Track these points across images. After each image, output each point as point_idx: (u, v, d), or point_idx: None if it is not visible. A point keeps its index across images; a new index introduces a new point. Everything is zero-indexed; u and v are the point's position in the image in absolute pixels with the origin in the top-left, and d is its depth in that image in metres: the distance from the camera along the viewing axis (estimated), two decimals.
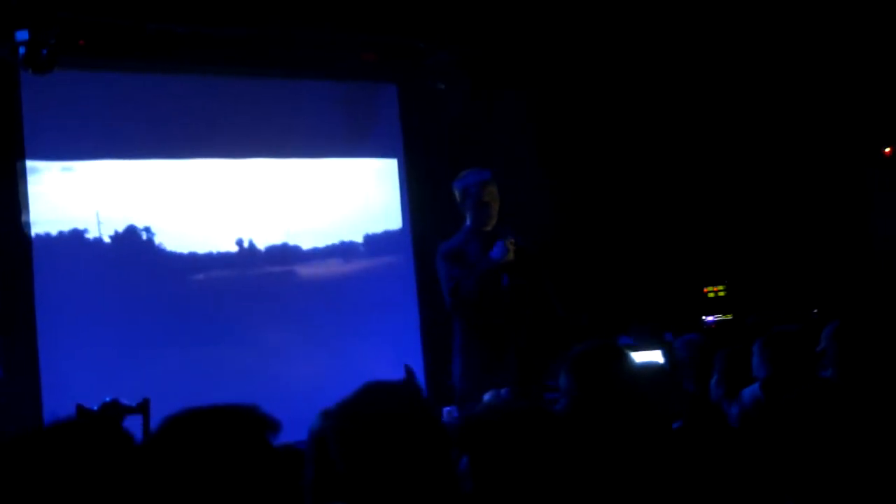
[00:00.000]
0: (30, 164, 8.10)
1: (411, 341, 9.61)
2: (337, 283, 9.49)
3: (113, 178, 8.53)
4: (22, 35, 7.44)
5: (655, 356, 6.22)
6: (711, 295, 9.50)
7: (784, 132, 9.73)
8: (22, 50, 7.46)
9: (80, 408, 6.45)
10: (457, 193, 6.98)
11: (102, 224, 8.49)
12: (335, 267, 9.54)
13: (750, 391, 4.74)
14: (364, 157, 9.75)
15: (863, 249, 9.71)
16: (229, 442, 2.59)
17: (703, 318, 9.28)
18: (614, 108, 9.93)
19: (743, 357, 5.01)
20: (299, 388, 8.33)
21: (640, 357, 5.73)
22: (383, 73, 9.65)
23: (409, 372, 6.25)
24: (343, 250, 9.59)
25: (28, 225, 8.05)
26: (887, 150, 9.92)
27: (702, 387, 5.32)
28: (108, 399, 6.33)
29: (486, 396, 4.93)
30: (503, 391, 5.22)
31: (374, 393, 3.01)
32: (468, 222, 6.97)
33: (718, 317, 9.30)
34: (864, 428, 3.01)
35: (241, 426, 2.67)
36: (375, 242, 9.77)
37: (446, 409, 6.26)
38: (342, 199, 9.58)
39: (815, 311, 8.85)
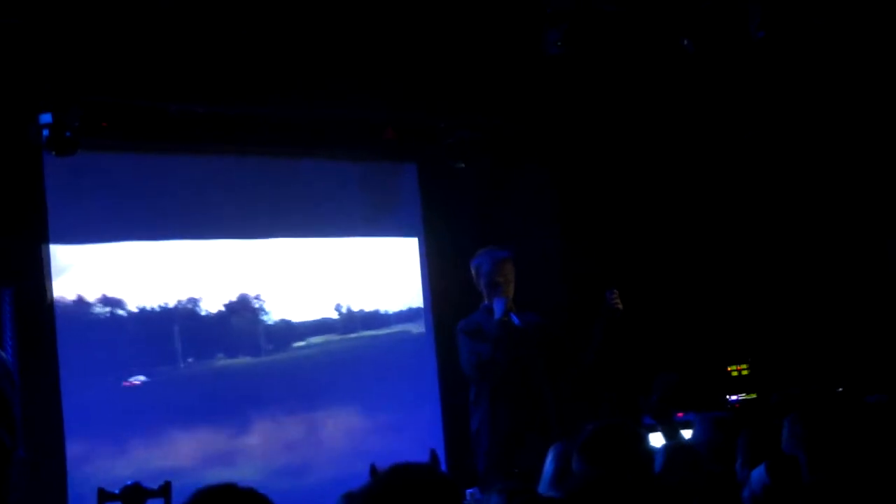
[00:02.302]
0: (53, 246, 8.13)
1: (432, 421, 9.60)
2: (355, 359, 9.47)
3: (136, 258, 8.55)
4: (45, 118, 7.50)
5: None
6: (735, 374, 9.44)
7: (805, 206, 9.71)
8: (45, 132, 7.53)
9: (101, 491, 6.43)
10: (472, 271, 7.08)
11: (126, 304, 8.51)
12: (351, 342, 9.53)
13: (757, 473, 4.69)
14: (384, 235, 9.76)
15: (887, 325, 9.63)
16: None
17: (727, 397, 9.21)
18: (634, 181, 9.94)
19: (767, 436, 4.97)
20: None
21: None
22: (403, 153, 9.69)
23: (434, 457, 6.22)
24: (361, 324, 9.59)
25: (52, 306, 8.06)
26: None
27: (727, 466, 5.26)
28: (129, 482, 6.31)
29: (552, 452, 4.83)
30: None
31: (400, 476, 3.00)
32: (486, 301, 7.05)
33: (742, 396, 9.23)
34: None
35: None
36: (396, 319, 9.76)
37: (469, 490, 6.21)
38: (363, 277, 9.59)
39: (840, 388, 8.78)
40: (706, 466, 4.69)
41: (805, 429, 4.70)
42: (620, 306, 7.03)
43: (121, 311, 8.47)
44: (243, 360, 8.96)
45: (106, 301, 8.41)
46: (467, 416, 7.35)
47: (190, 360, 8.73)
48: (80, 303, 8.29)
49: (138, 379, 8.51)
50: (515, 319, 7.08)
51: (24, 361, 7.65)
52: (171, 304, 8.69)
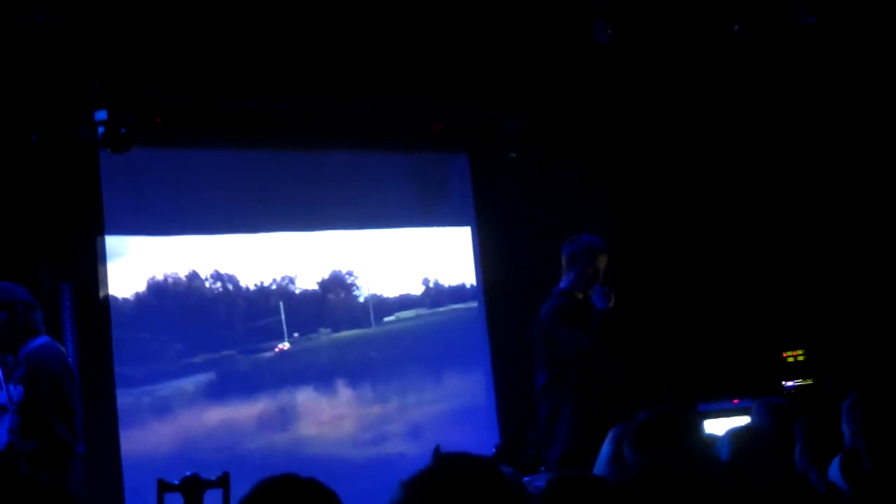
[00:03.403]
0: (109, 239, 8.22)
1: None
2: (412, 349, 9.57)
3: (191, 251, 8.64)
4: (101, 115, 7.57)
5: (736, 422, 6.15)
6: (791, 360, 9.38)
7: (859, 191, 9.63)
8: (101, 129, 7.60)
9: (161, 482, 6.50)
10: (568, 254, 6.99)
11: (180, 297, 8.59)
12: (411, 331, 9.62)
13: (834, 471, 4.66)
14: (437, 226, 9.79)
15: None
16: None
17: (784, 382, 9.17)
18: (686, 170, 9.90)
19: (825, 423, 4.94)
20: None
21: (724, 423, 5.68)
22: (454, 143, 9.71)
23: (499, 452, 6.21)
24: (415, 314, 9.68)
25: (108, 299, 8.14)
26: None
27: (784, 453, 5.23)
28: (188, 473, 6.37)
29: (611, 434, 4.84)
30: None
31: (451, 464, 3.01)
32: (563, 285, 6.98)
33: (798, 381, 9.18)
34: None
35: (326, 499, 2.77)
36: (450, 311, 9.81)
37: (526, 478, 6.21)
38: (417, 267, 9.64)
39: None
40: (774, 450, 4.66)
41: (862, 415, 4.67)
42: (613, 301, 6.89)
43: (173, 304, 8.55)
44: (301, 344, 9.03)
45: (159, 294, 8.49)
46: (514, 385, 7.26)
47: (245, 349, 8.81)
48: (135, 296, 8.37)
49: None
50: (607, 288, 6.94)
51: (82, 355, 7.74)
52: (227, 296, 8.77)
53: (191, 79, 7.92)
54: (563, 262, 7.04)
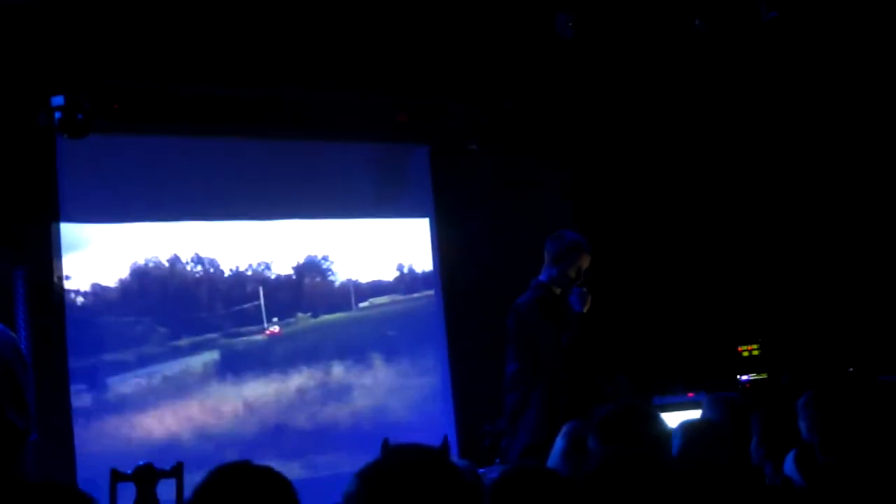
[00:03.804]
0: (64, 226, 8.16)
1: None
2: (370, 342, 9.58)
3: (147, 239, 8.58)
4: (58, 100, 7.52)
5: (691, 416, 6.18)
6: (746, 354, 9.43)
7: (816, 187, 9.69)
8: (58, 115, 7.53)
9: (114, 472, 6.45)
10: (552, 250, 6.99)
11: (134, 284, 8.54)
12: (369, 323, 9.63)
13: (789, 465, 4.68)
14: (397, 217, 9.78)
15: None
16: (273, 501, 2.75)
17: (738, 377, 9.22)
18: (644, 166, 9.93)
19: (781, 417, 4.97)
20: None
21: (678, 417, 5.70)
22: (416, 135, 9.69)
23: (445, 443, 6.21)
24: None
25: (62, 287, 8.09)
26: None
27: (739, 447, 5.26)
28: (141, 462, 6.33)
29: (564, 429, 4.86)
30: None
31: (400, 456, 3.01)
32: (543, 278, 7.00)
33: (753, 376, 9.23)
34: None
35: (279, 486, 2.78)
36: (405, 303, 9.81)
37: (481, 470, 6.20)
38: (375, 258, 9.63)
39: (851, 368, 8.78)
40: (724, 444, 4.69)
41: (817, 411, 4.69)
42: (589, 305, 6.95)
43: (127, 291, 8.50)
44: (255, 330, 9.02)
45: (113, 281, 8.44)
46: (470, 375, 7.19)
47: (202, 336, 8.77)
48: (89, 283, 8.32)
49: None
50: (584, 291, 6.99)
51: (35, 342, 7.67)
52: (182, 283, 8.74)
53: (150, 65, 7.87)
54: (547, 256, 7.05)
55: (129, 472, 6.34)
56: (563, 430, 4.77)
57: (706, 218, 9.91)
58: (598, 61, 9.05)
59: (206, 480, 2.79)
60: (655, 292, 9.75)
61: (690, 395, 8.17)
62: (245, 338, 8.97)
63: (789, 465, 4.63)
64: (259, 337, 9.02)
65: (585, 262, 7.02)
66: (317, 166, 9.33)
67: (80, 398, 8.09)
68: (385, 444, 5.37)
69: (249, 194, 8.98)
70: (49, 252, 8.04)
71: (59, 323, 8.01)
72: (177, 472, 6.49)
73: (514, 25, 8.39)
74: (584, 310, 6.85)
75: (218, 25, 7.76)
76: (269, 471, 2.83)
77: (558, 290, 7.02)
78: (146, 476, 6.32)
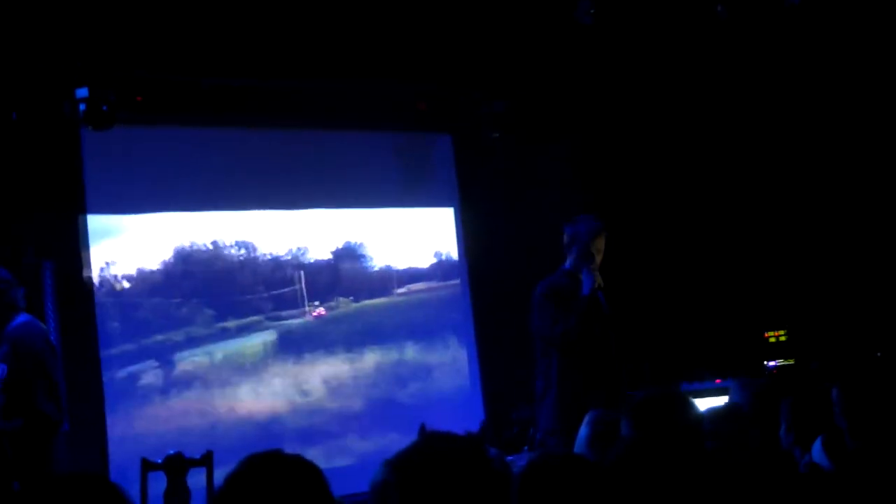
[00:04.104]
0: (91, 217, 8.19)
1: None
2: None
3: (172, 229, 8.61)
4: (82, 92, 7.55)
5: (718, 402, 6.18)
6: (773, 340, 9.42)
7: (843, 172, 9.65)
8: (82, 107, 7.57)
9: (144, 461, 6.50)
10: (566, 236, 7.03)
11: (162, 275, 8.57)
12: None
13: (817, 450, 4.67)
14: (420, 206, 9.79)
15: None
16: (304, 490, 2.74)
17: (765, 363, 9.20)
18: (668, 152, 9.90)
19: (811, 403, 4.97)
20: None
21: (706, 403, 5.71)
22: (438, 123, 9.69)
23: (483, 429, 6.24)
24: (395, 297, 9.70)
25: (90, 278, 8.12)
26: None
27: (763, 431, 5.26)
28: (171, 452, 6.38)
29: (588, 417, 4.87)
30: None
31: (435, 443, 3.01)
32: (567, 264, 7.03)
33: (780, 362, 9.21)
34: None
35: (310, 475, 2.78)
36: (433, 291, 9.82)
37: (509, 458, 6.22)
38: (400, 247, 9.65)
39: (879, 353, 8.75)
40: (751, 428, 4.69)
41: (845, 395, 4.68)
42: (600, 281, 6.97)
43: (155, 281, 8.53)
44: (288, 321, 9.05)
45: (141, 271, 8.47)
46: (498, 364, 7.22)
47: (231, 326, 8.81)
48: (117, 273, 8.36)
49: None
50: (601, 296, 7.02)
51: (65, 333, 7.72)
52: (210, 273, 8.78)
53: (174, 57, 7.90)
54: (565, 241, 7.09)
55: (160, 461, 6.39)
56: (587, 418, 4.79)
57: (733, 204, 9.88)
58: (619, 49, 9.03)
59: (237, 469, 2.80)
60: (681, 279, 9.74)
61: (718, 381, 8.17)
62: (292, 321, 9.04)
63: (818, 450, 4.63)
64: (303, 320, 9.07)
65: (600, 243, 7.04)
66: (342, 156, 9.32)
67: (112, 389, 8.13)
68: (422, 428, 5.41)
69: (276, 184, 9.00)
70: (77, 243, 8.08)
71: (89, 313, 8.05)
72: (206, 460, 6.54)
73: (534, 13, 8.38)
74: (591, 290, 6.86)
75: (240, 16, 7.78)
76: (299, 459, 2.84)
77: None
78: (176, 465, 6.37)
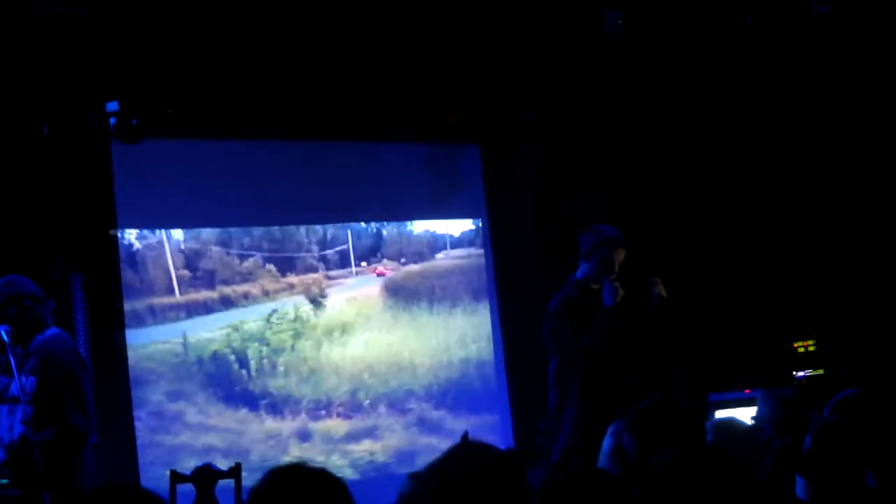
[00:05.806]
0: (122, 232, 8.23)
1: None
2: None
3: (202, 243, 8.64)
4: (112, 106, 7.60)
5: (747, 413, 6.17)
6: (801, 350, 9.37)
7: (871, 180, 9.61)
8: (112, 120, 7.62)
9: (173, 473, 6.53)
10: (586, 244, 6.98)
11: (192, 290, 8.60)
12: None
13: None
14: (447, 217, 9.78)
15: None
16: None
17: (794, 373, 9.16)
18: (697, 161, 9.87)
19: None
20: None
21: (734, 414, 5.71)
22: (467, 135, 9.69)
23: (515, 453, 6.23)
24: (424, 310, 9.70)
25: (121, 292, 8.15)
26: None
27: (793, 443, 5.23)
28: (200, 464, 6.40)
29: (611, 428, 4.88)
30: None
31: (465, 457, 3.01)
32: (579, 274, 6.98)
33: (809, 372, 9.17)
34: None
35: (335, 489, 2.80)
36: (461, 305, 9.81)
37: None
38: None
39: None
40: (760, 441, 4.69)
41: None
42: (664, 293, 6.93)
43: (186, 297, 8.55)
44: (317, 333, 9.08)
45: (172, 285, 8.50)
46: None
47: (258, 341, 8.85)
48: (148, 287, 8.39)
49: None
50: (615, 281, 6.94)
51: (95, 347, 7.76)
52: (240, 288, 8.80)
53: (204, 69, 7.93)
54: (581, 251, 7.04)
55: (188, 473, 6.41)
56: (610, 429, 4.78)
57: (763, 212, 9.85)
58: (648, 59, 9.03)
59: (261, 483, 2.82)
60: (709, 288, 9.70)
61: (746, 391, 8.13)
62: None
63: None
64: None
65: (620, 255, 6.98)
66: (371, 168, 9.32)
67: (141, 402, 8.17)
68: (465, 437, 5.41)
69: (304, 197, 9.04)
70: (107, 257, 8.12)
71: (119, 326, 8.08)
72: (235, 472, 6.56)
73: (564, 24, 8.39)
74: (615, 301, 6.81)
75: (271, 29, 7.82)
76: (323, 472, 2.85)
77: (595, 286, 6.97)
78: (204, 477, 6.39)
